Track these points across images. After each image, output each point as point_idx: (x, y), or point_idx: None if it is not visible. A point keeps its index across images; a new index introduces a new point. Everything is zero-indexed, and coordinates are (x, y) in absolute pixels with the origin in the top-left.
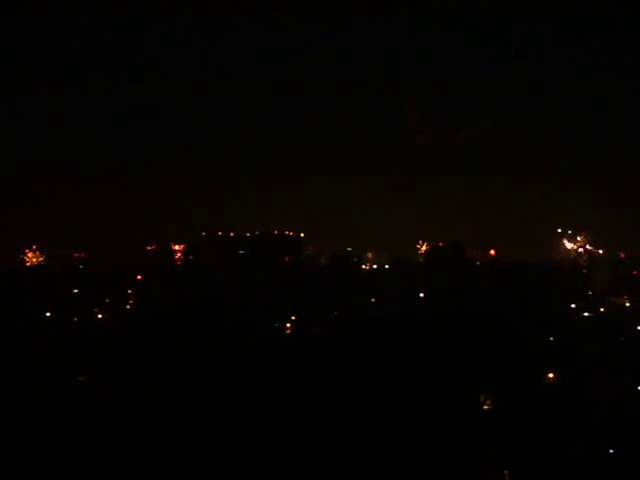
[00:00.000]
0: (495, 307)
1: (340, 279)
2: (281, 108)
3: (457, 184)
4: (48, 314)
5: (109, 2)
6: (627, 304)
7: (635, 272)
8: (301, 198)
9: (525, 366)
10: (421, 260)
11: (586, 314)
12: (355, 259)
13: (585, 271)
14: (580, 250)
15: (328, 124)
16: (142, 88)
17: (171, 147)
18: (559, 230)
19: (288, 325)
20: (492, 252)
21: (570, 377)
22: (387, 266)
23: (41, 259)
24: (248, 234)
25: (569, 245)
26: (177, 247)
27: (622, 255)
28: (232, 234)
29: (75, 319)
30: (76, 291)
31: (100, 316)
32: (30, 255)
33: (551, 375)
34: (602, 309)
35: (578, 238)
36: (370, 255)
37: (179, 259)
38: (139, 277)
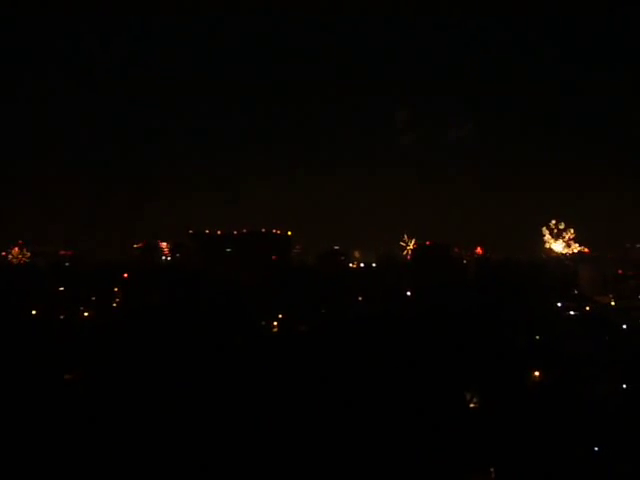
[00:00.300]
0: (481, 305)
1: (327, 277)
2: (267, 108)
3: (445, 183)
4: (34, 312)
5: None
6: (612, 303)
7: (620, 271)
8: (289, 197)
9: (511, 364)
10: (408, 258)
11: (572, 313)
12: (342, 257)
13: (572, 270)
14: (567, 249)
15: (316, 124)
16: (128, 86)
17: (158, 145)
18: (546, 229)
19: (275, 323)
20: (479, 250)
21: (555, 375)
22: (374, 264)
23: (27, 256)
24: (235, 232)
25: (556, 244)
26: (164, 245)
27: (609, 256)
28: (219, 232)
29: (61, 317)
30: (62, 289)
31: (86, 314)
32: (15, 252)
33: (537, 373)
34: (588, 308)
35: (565, 237)
36: (357, 253)
37: (166, 257)
38: (125, 275)
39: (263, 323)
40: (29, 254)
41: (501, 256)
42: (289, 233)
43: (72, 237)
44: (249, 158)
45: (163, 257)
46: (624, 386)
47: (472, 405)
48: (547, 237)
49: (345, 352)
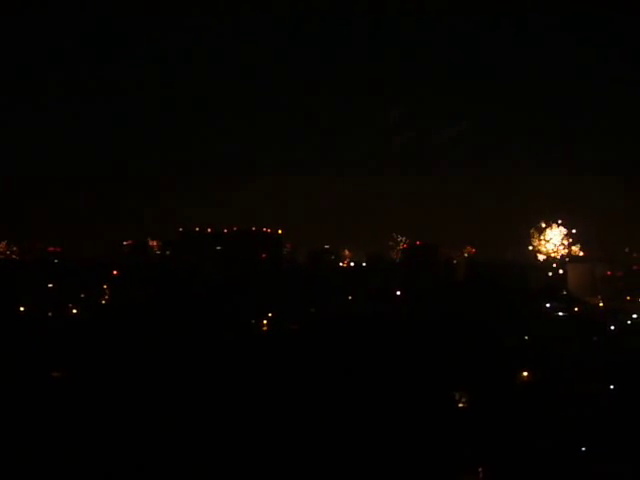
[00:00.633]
0: (470, 306)
1: (317, 276)
2: (258, 107)
3: (435, 182)
4: (22, 308)
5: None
6: (601, 304)
7: (609, 272)
8: (280, 195)
9: (499, 365)
10: (398, 258)
11: (560, 314)
12: (333, 256)
13: (561, 271)
14: (557, 250)
15: (306, 122)
16: (117, 84)
17: (148, 143)
18: (536, 230)
19: (265, 322)
20: (469, 250)
21: (544, 376)
22: (364, 263)
23: (14, 252)
24: (225, 230)
25: (546, 245)
26: (153, 242)
27: (599, 256)
28: (209, 230)
29: (49, 314)
30: (50, 285)
31: (75, 311)
32: (3, 248)
33: (525, 374)
34: (576, 309)
35: (555, 238)
36: (347, 252)
37: (155, 254)
38: (115, 272)
39: (253, 321)
40: (16, 250)
41: (491, 256)
42: (280, 232)
43: (61, 233)
44: (241, 156)
45: (153, 255)
46: (611, 387)
47: (461, 405)
48: (537, 238)
49: (334, 351)
